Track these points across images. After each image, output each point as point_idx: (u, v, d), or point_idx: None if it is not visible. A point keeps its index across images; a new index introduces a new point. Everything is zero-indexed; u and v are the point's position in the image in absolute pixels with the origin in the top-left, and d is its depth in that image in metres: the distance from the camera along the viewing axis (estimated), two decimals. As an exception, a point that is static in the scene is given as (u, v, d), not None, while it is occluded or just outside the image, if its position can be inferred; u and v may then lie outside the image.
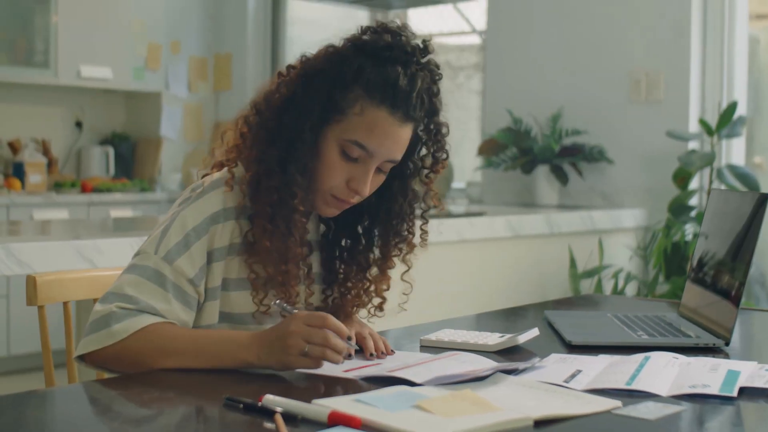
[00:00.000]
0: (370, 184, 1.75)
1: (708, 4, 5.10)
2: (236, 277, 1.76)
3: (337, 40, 1.76)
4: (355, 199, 1.77)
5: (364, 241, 1.90)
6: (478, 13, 6.55)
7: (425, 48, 1.76)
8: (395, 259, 1.90)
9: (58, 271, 2.04)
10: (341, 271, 1.91)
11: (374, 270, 1.90)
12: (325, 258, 1.92)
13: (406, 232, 1.88)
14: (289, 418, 1.31)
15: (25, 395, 1.54)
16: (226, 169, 1.80)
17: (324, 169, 1.73)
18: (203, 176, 1.87)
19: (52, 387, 1.94)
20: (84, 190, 6.20)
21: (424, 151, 1.84)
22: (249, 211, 1.75)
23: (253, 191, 1.74)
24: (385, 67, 1.71)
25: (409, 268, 1.91)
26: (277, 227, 1.72)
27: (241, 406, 1.37)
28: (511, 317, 2.37)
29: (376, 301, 1.92)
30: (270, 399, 1.36)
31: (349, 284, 1.90)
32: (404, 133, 1.73)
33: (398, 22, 1.77)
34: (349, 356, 1.56)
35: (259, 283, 1.74)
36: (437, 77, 1.77)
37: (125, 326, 1.63)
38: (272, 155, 1.72)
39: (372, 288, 1.91)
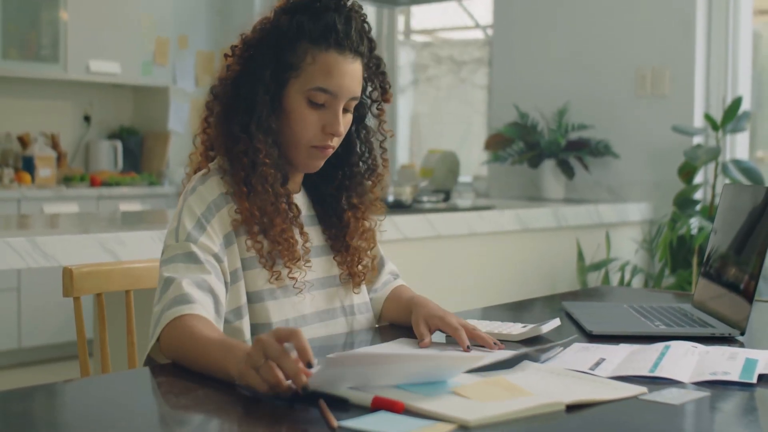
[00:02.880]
0: (342, 124, 1.88)
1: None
2: (245, 257, 1.86)
3: (267, 12, 1.92)
4: (334, 142, 1.90)
5: (345, 187, 2.03)
6: (481, 8, 6.61)
7: None
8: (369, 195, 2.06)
9: (93, 263, 2.10)
10: (341, 223, 2.02)
11: (360, 210, 2.04)
12: (325, 228, 2.03)
13: (373, 164, 2.04)
14: (333, 403, 1.36)
15: (61, 384, 1.60)
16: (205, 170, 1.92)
17: (298, 124, 1.86)
18: (187, 174, 1.98)
19: (89, 376, 2.00)
20: (93, 183, 6.26)
21: (370, 88, 1.99)
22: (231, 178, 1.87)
23: (227, 164, 1.87)
24: (321, 16, 1.85)
25: (379, 197, 2.07)
26: (253, 188, 1.84)
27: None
28: (520, 310, 2.42)
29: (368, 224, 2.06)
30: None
31: (350, 230, 2.01)
32: (356, 68, 1.88)
33: None
34: (304, 389, 1.37)
35: (264, 252, 1.85)
36: (365, 17, 1.91)
37: (168, 315, 1.69)
38: (234, 127, 1.86)
39: (364, 227, 2.04)
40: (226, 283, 1.81)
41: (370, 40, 1.92)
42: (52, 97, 6.53)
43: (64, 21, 6.19)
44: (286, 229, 1.86)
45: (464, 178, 6.16)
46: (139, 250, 2.96)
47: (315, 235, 1.99)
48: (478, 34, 6.80)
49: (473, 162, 6.41)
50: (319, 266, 1.97)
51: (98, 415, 1.40)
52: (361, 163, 2.02)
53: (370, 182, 2.04)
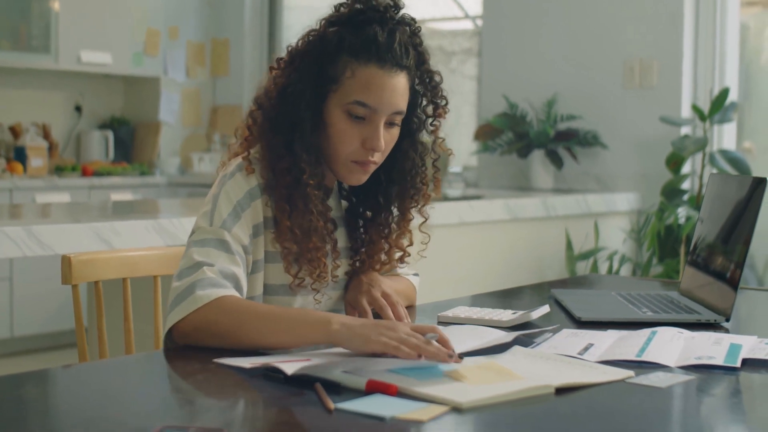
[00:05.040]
0: (383, 139, 1.84)
1: (701, -9, 5.21)
2: (270, 250, 1.87)
3: (315, 23, 1.89)
4: (375, 157, 1.86)
5: (384, 204, 2.00)
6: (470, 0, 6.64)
7: (396, 4, 1.87)
8: (413, 212, 2.02)
9: (91, 251, 2.13)
10: (365, 236, 2.00)
11: (394, 229, 2.01)
12: (350, 231, 2.03)
13: (420, 184, 1.99)
14: (328, 387, 1.40)
15: (59, 370, 1.63)
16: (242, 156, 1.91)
17: (337, 138, 1.84)
18: (223, 165, 1.96)
19: (87, 362, 2.03)
20: (84, 173, 6.28)
21: (425, 103, 1.94)
22: (272, 191, 1.87)
23: (270, 177, 1.86)
24: (363, 29, 1.82)
25: (426, 219, 2.03)
26: (295, 206, 1.84)
27: (282, 376, 1.46)
28: (510, 297, 2.45)
29: (398, 254, 2.04)
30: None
31: (373, 248, 2.00)
32: (399, 82, 1.83)
33: None
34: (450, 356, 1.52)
35: (291, 259, 1.86)
36: (416, 29, 1.87)
37: (209, 293, 1.70)
38: (278, 142, 1.85)
39: (393, 247, 2.02)
40: (247, 274, 1.83)
41: (419, 53, 1.87)
42: (43, 87, 6.55)
43: (56, 11, 6.20)
44: (321, 248, 1.86)
45: (454, 168, 6.20)
46: (133, 239, 3.00)
47: (339, 237, 1.99)
48: (468, 25, 6.83)
49: (463, 152, 6.44)
50: (338, 268, 1.98)
51: (99, 400, 1.43)
52: (405, 182, 1.97)
53: (413, 204, 1.99)
